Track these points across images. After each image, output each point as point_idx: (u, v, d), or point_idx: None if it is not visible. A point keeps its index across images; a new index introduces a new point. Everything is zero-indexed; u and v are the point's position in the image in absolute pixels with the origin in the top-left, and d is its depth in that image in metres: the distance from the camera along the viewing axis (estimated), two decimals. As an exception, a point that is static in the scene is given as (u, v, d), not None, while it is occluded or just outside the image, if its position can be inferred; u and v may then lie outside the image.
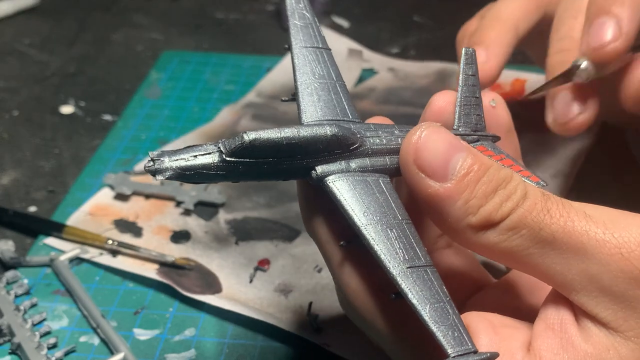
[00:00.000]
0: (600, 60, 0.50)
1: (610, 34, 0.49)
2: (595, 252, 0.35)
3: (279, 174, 0.37)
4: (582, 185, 0.66)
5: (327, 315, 0.54)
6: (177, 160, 0.35)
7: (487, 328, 0.37)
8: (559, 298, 0.37)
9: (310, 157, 0.36)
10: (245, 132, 0.35)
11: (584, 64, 0.51)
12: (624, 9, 0.49)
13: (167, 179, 0.34)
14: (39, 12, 1.00)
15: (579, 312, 0.37)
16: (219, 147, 0.35)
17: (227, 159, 0.35)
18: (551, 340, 0.36)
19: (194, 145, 0.35)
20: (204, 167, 0.35)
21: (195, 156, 0.35)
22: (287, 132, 0.36)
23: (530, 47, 0.66)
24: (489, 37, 0.56)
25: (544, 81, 0.55)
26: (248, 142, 0.35)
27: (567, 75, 0.52)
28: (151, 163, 0.34)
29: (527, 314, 0.39)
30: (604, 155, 0.69)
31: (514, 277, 0.45)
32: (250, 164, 0.35)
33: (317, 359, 0.52)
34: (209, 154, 0.35)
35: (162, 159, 0.34)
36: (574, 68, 0.52)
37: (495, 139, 0.46)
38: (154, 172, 0.34)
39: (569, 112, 0.53)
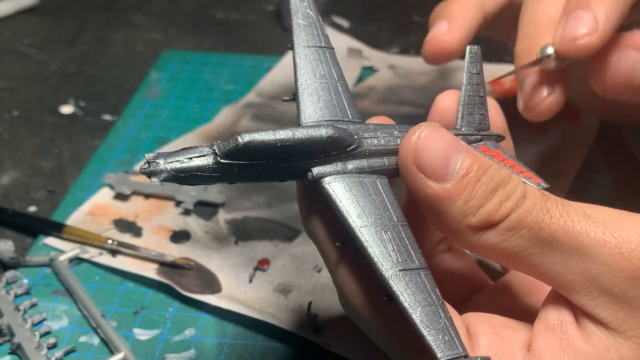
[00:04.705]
0: (571, 53, 0.49)
1: (585, 28, 0.48)
2: (595, 252, 0.35)
3: (275, 175, 0.37)
4: (581, 185, 0.66)
5: (326, 315, 0.54)
6: (172, 162, 0.35)
7: (487, 329, 0.37)
8: (559, 298, 0.37)
9: (305, 158, 0.36)
10: (240, 135, 0.35)
11: (550, 52, 0.50)
12: (603, 6, 0.48)
13: (162, 181, 0.34)
14: (38, 12, 1.00)
15: (579, 313, 0.37)
16: (213, 150, 0.35)
17: (222, 161, 0.35)
18: (551, 341, 0.36)
19: (189, 148, 0.35)
20: (199, 169, 0.35)
21: (190, 158, 0.35)
22: (282, 134, 0.35)
23: (504, 34, 0.65)
24: (452, 10, 0.55)
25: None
26: (242, 145, 0.35)
27: (535, 63, 0.52)
28: (147, 165, 0.34)
29: (525, 314, 0.39)
30: (603, 155, 0.69)
31: (511, 278, 0.45)
32: (245, 166, 0.35)
33: (317, 359, 0.52)
34: (204, 156, 0.35)
35: (157, 161, 0.34)
36: (543, 56, 0.51)
37: (500, 138, 0.46)
38: (150, 174, 0.34)
39: (537, 95, 0.52)
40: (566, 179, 0.66)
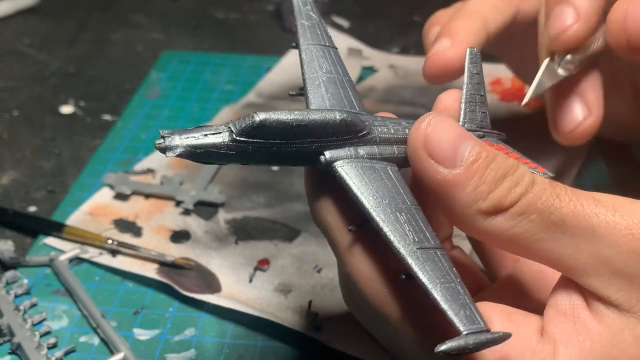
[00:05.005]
0: (564, 46, 0.49)
1: (569, 19, 0.48)
2: (606, 234, 0.35)
3: (288, 157, 0.37)
4: (581, 185, 0.66)
5: (327, 314, 0.54)
6: (187, 138, 0.35)
7: (501, 314, 0.37)
8: (569, 283, 0.38)
9: (319, 141, 0.37)
10: (256, 112, 0.35)
11: (561, 57, 0.50)
12: None
13: (177, 156, 0.34)
14: (38, 12, 1.00)
15: (590, 296, 0.37)
16: (229, 127, 0.35)
17: (237, 138, 0.35)
18: (564, 325, 0.36)
19: (204, 125, 0.36)
20: (214, 146, 0.35)
21: (206, 135, 0.35)
22: (297, 114, 0.36)
23: (502, 52, 0.64)
24: (455, 28, 0.54)
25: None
26: (258, 122, 0.35)
27: (551, 73, 0.51)
28: (161, 140, 0.34)
29: (531, 309, 0.39)
30: (604, 155, 0.69)
31: (514, 275, 0.46)
32: (259, 145, 0.36)
33: (317, 359, 0.52)
34: (219, 133, 0.35)
35: (172, 136, 0.35)
36: (556, 61, 0.50)
37: (501, 136, 0.46)
38: (164, 149, 0.34)
39: (573, 119, 0.52)
40: (566, 179, 0.66)
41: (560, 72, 0.51)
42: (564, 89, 0.52)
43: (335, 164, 0.37)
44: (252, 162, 0.37)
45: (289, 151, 0.36)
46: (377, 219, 0.35)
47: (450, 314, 0.33)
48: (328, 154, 0.37)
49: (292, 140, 0.36)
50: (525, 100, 0.48)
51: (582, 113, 0.52)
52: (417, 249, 0.34)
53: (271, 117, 0.35)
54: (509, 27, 0.56)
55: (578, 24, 0.48)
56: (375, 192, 0.36)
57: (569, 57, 0.50)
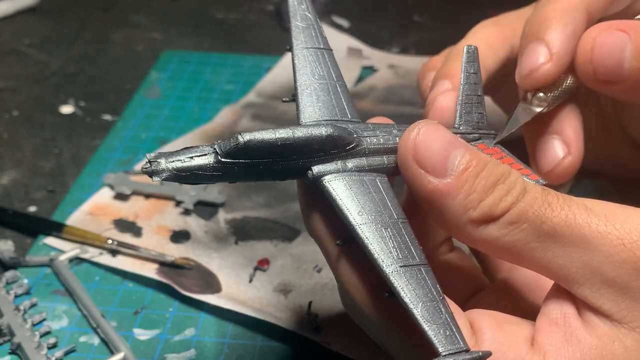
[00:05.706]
0: (533, 85, 0.49)
1: (541, 57, 0.48)
2: (598, 243, 0.35)
3: (275, 174, 0.37)
4: (581, 186, 0.66)
5: (326, 315, 0.54)
6: (173, 161, 0.35)
7: (491, 324, 0.37)
8: (561, 292, 0.38)
9: (305, 157, 0.37)
10: (240, 134, 0.35)
11: (529, 95, 0.50)
12: (551, 32, 0.48)
13: (163, 180, 0.35)
14: (38, 12, 1.00)
15: (582, 306, 0.37)
16: (214, 149, 0.35)
17: (223, 160, 0.35)
18: (555, 335, 0.36)
19: (190, 147, 0.36)
20: (200, 168, 0.35)
21: (192, 157, 0.35)
22: (282, 133, 0.36)
23: (492, 90, 0.62)
24: (453, 69, 0.52)
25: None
26: (243, 143, 0.35)
27: (525, 110, 0.50)
28: (148, 165, 0.35)
29: (525, 313, 0.39)
30: None
31: (511, 278, 0.46)
32: (245, 165, 0.36)
33: (317, 358, 0.52)
34: (205, 155, 0.35)
35: (158, 160, 0.35)
36: (530, 99, 0.49)
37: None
38: (151, 174, 0.35)
39: (552, 158, 0.51)
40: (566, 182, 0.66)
41: (534, 108, 0.50)
42: (542, 128, 0.52)
43: (323, 178, 0.37)
44: (240, 180, 0.37)
45: (275, 169, 0.36)
46: (362, 236, 0.35)
47: (430, 334, 0.33)
48: (315, 169, 0.37)
49: (278, 158, 0.36)
50: (498, 138, 0.47)
51: (562, 151, 0.51)
52: (401, 266, 0.35)
53: (256, 137, 0.35)
54: (505, 65, 0.55)
55: (549, 64, 0.48)
56: (362, 208, 0.36)
57: (541, 94, 0.49)
